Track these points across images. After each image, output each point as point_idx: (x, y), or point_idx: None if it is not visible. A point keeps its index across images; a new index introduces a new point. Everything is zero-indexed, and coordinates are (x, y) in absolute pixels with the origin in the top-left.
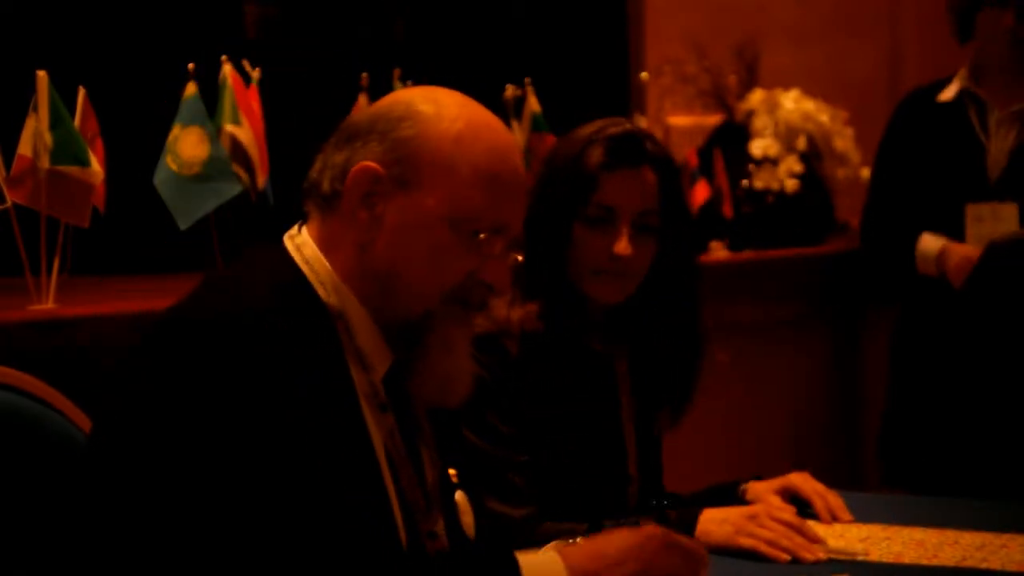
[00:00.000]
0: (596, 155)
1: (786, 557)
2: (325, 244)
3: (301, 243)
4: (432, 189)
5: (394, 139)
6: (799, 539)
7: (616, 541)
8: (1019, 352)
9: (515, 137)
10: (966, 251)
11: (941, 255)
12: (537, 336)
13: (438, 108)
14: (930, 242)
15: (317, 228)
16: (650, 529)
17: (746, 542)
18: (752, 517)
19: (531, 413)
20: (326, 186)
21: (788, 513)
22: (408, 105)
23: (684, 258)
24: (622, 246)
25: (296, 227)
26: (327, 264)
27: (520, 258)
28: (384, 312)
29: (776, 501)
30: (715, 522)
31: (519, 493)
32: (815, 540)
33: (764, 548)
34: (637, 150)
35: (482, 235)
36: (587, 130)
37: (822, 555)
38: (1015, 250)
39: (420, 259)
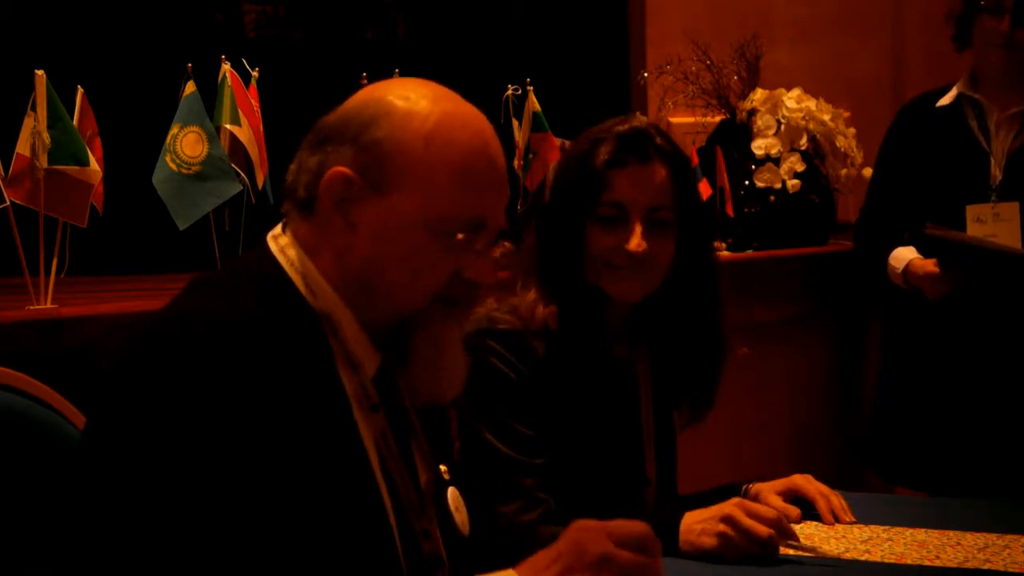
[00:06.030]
0: (604, 153)
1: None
2: (306, 247)
3: (285, 244)
4: (405, 192)
5: (365, 142)
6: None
7: (557, 543)
8: (1007, 352)
9: (491, 126)
10: (928, 266)
11: (907, 269)
12: (559, 337)
13: (409, 106)
14: (899, 255)
15: (297, 230)
16: (581, 523)
17: (732, 553)
18: (727, 519)
19: (550, 414)
20: (301, 191)
21: (760, 506)
22: (378, 104)
23: (702, 253)
24: (635, 243)
25: (279, 227)
26: (311, 266)
27: (508, 245)
28: (369, 314)
29: (778, 502)
30: (694, 533)
31: (536, 496)
32: (789, 536)
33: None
34: (645, 145)
35: (459, 235)
36: (595, 130)
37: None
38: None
39: (399, 263)
